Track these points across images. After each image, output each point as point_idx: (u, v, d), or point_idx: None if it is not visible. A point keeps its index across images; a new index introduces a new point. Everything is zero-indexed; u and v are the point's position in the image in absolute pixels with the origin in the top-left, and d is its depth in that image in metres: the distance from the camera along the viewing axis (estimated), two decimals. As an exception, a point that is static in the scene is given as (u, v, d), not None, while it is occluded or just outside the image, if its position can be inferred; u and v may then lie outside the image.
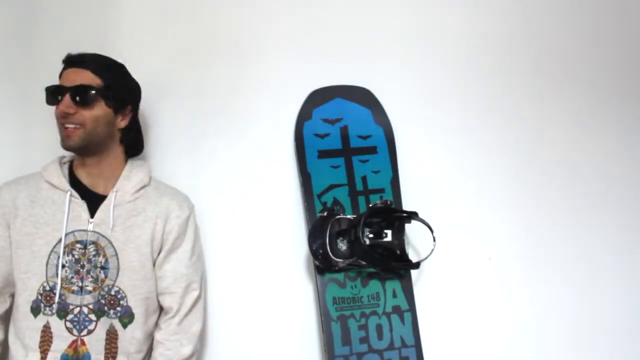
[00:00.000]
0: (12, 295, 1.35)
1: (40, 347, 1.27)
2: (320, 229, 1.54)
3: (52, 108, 1.32)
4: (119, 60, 1.40)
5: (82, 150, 1.33)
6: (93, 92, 1.30)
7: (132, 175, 1.39)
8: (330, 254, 1.52)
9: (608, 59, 1.94)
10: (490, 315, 1.73)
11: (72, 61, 1.33)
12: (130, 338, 1.32)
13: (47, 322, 1.27)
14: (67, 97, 1.28)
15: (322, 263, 1.55)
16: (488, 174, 1.80)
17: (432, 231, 1.56)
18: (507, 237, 1.78)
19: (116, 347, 1.30)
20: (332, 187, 1.65)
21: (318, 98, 1.71)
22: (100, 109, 1.32)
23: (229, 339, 1.60)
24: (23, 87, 1.59)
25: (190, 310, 1.38)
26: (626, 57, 1.95)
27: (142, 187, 1.39)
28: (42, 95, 1.33)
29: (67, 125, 1.30)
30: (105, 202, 1.33)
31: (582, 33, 1.93)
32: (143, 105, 1.49)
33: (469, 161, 1.79)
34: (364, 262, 1.55)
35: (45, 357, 1.26)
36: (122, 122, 1.38)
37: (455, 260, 1.73)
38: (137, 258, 1.33)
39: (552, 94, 1.88)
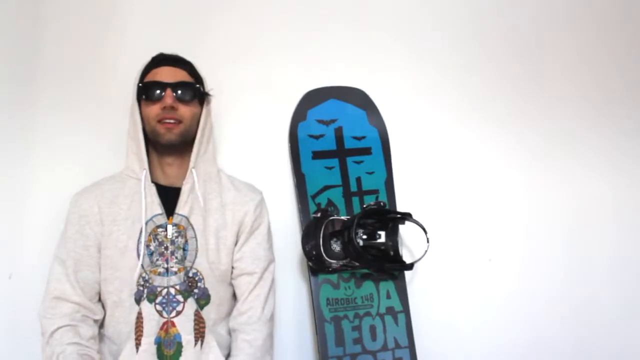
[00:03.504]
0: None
1: (135, 334, 1.28)
2: (314, 230, 1.54)
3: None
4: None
5: (176, 147, 1.36)
6: (192, 88, 1.37)
7: (202, 164, 1.41)
8: (324, 255, 1.52)
9: (602, 51, 1.95)
10: (483, 317, 1.74)
11: (168, 59, 1.39)
12: (206, 319, 1.32)
13: (140, 309, 1.29)
14: (170, 92, 1.33)
15: (315, 264, 1.55)
16: (483, 175, 1.80)
17: (425, 232, 1.56)
18: (503, 239, 1.79)
19: (204, 327, 1.31)
20: (326, 188, 1.65)
21: (312, 99, 1.71)
22: (195, 107, 1.38)
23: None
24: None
25: (268, 293, 1.39)
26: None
27: (214, 176, 1.42)
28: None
29: (167, 120, 1.33)
30: (185, 188, 1.35)
31: (578, 30, 1.94)
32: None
33: (464, 162, 1.80)
34: (357, 264, 1.56)
35: (140, 344, 1.27)
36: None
37: (448, 262, 1.74)
38: (215, 241, 1.35)
39: (550, 96, 1.88)
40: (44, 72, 1.57)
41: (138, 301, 1.29)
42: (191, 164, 1.37)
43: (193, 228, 1.34)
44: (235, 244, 1.39)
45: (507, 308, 1.76)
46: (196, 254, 1.32)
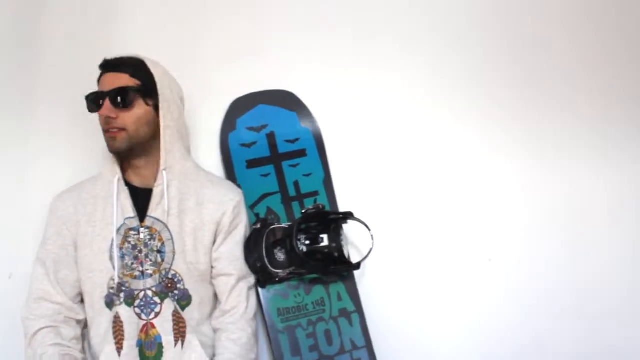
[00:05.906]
0: None
1: (115, 339, 1.28)
2: (255, 242, 1.50)
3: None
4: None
5: (127, 153, 1.35)
6: (131, 93, 1.31)
7: (176, 163, 1.38)
8: (269, 266, 1.49)
9: (598, 51, 1.96)
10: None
11: (110, 65, 1.35)
12: (189, 320, 1.33)
13: (117, 313, 1.29)
14: (107, 102, 1.30)
15: (262, 276, 1.51)
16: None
17: (369, 229, 1.54)
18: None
19: (184, 327, 1.32)
20: (264, 196, 1.61)
21: (241, 107, 1.66)
22: (140, 109, 1.33)
23: None
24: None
25: (249, 292, 1.41)
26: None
27: (190, 173, 1.40)
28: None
29: (110, 129, 1.31)
30: (157, 190, 1.34)
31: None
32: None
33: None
34: (303, 270, 1.53)
35: (122, 348, 1.27)
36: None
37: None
38: (192, 242, 1.35)
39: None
40: (45, 73, 1.56)
41: (109, 305, 1.30)
42: (162, 166, 1.34)
43: (169, 230, 1.33)
44: (213, 243, 1.38)
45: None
46: (174, 255, 1.33)
